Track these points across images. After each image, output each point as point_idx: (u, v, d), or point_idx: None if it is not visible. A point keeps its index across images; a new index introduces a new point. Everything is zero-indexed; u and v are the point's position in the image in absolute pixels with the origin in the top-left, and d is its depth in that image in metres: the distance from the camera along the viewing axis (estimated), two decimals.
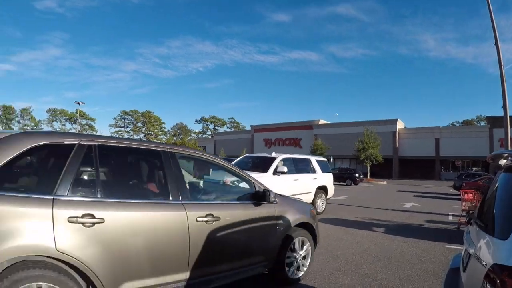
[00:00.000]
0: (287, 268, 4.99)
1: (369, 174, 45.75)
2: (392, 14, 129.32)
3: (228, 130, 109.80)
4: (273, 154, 12.26)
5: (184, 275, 3.68)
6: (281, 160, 11.68)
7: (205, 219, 3.81)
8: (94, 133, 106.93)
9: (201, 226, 3.79)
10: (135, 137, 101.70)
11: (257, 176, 7.88)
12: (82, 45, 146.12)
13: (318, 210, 12.56)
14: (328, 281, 5.45)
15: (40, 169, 3.43)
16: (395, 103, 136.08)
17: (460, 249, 7.87)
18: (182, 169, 4.06)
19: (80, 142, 3.31)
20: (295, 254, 5.12)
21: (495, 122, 48.99)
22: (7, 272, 2.64)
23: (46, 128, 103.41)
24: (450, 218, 13.91)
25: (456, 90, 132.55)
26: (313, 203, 12.34)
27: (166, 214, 3.60)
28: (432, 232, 10.45)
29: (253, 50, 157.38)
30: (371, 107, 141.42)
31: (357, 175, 35.69)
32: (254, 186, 4.69)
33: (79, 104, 69.88)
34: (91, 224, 3.02)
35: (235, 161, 13.27)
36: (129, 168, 4.09)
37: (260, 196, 4.55)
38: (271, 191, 4.61)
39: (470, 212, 11.38)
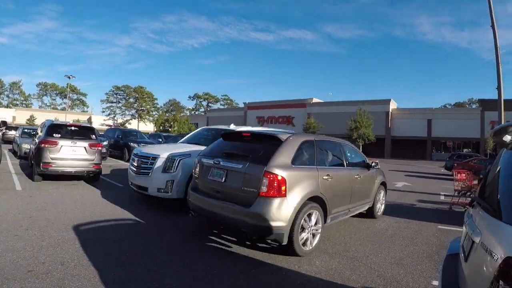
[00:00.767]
0: (377, 205, 8.72)
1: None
2: None
3: (222, 107, 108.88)
4: (232, 126, 9.58)
5: (349, 205, 7.02)
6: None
7: (356, 175, 7.34)
8: (85, 108, 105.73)
9: (358, 179, 7.35)
10: (126, 112, 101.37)
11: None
12: (76, 18, 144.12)
13: None
14: (314, 265, 5.04)
15: (307, 154, 5.97)
16: (389, 84, 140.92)
17: (453, 230, 7.58)
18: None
19: (315, 139, 6.40)
20: (381, 197, 9.02)
21: (486, 105, 49.62)
22: (304, 204, 5.32)
23: (35, 102, 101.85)
24: (442, 198, 13.63)
25: (449, 74, 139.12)
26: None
27: (348, 173, 7.12)
28: (424, 212, 10.14)
29: (249, 27, 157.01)
30: (365, 87, 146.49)
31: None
32: (365, 160, 8.39)
33: (69, 78, 68.59)
34: (328, 179, 6.03)
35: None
36: (331, 152, 6.92)
37: (369, 165, 8.13)
38: (376, 162, 8.55)
39: (463, 192, 11.11)
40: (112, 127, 69.12)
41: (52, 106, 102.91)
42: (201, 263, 4.83)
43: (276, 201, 4.95)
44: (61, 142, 10.57)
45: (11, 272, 4.08)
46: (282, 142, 5.53)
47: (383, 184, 9.09)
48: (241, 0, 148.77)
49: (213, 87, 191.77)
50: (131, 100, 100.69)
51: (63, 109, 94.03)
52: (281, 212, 4.95)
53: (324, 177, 5.88)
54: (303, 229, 5.35)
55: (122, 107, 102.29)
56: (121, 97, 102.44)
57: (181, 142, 9.84)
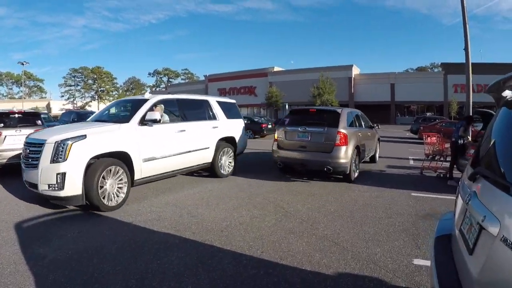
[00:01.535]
0: (376, 154, 12.83)
1: None
2: None
3: (183, 82, 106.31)
4: (146, 95, 8.00)
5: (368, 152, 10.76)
6: (154, 104, 7.62)
7: (369, 133, 11.32)
8: (43, 94, 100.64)
9: (369, 135, 11.26)
10: (86, 95, 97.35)
11: (110, 128, 6.57)
12: (27, 2, 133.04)
13: (223, 172, 9.36)
14: (279, 249, 4.40)
15: (350, 120, 9.47)
16: (351, 50, 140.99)
17: (427, 198, 7.04)
18: None
19: (351, 111, 10.22)
20: (378, 148, 13.19)
21: (449, 68, 50.97)
22: (353, 149, 9.02)
23: None
24: (411, 162, 13.39)
25: (411, 39, 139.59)
26: (214, 162, 9.06)
27: (366, 131, 10.97)
28: (395, 179, 9.74)
29: None
30: (327, 54, 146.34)
31: None
32: (370, 123, 12.14)
33: (23, 64, 64.71)
34: (360, 135, 10.09)
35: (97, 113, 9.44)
36: (358, 119, 10.52)
37: (372, 126, 12.20)
38: (377, 124, 13.18)
39: (433, 156, 10.81)
40: (69, 110, 66.21)
41: (9, 96, 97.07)
42: None
43: (344, 148, 8.52)
44: (5, 132, 9.40)
45: None
46: (340, 114, 9.04)
47: (379, 139, 13.66)
48: None
49: (174, 63, 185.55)
50: (90, 81, 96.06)
51: (21, 97, 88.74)
52: (347, 154, 8.56)
53: (359, 134, 9.70)
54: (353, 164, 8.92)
55: (81, 90, 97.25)
56: (79, 79, 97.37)
57: (89, 120, 8.39)
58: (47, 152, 5.81)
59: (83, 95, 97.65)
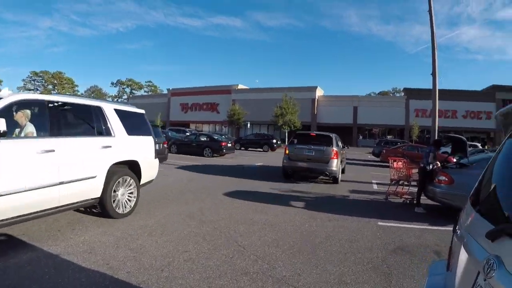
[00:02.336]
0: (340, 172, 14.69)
1: (287, 140, 45.49)
2: None
3: (146, 94, 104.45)
4: (2, 92, 5.36)
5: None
6: (11, 106, 4.97)
7: (343, 152, 16.93)
8: None
9: (344, 153, 17.07)
10: None
11: None
12: None
13: (118, 211, 6.64)
14: None
15: (338, 141, 15.19)
16: (316, 71, 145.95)
17: (395, 227, 6.53)
18: None
19: (336, 135, 15.46)
20: (344, 165, 16.66)
21: (411, 93, 53.74)
22: (341, 161, 15.50)
23: None
24: (375, 187, 13.11)
25: (375, 64, 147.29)
26: (104, 197, 6.32)
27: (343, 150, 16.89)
28: (360, 206, 9.32)
29: (177, 12, 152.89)
30: (292, 75, 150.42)
31: (274, 141, 35.10)
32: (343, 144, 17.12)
33: None
34: (342, 152, 16.42)
35: None
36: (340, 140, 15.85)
37: (344, 146, 17.58)
38: (347, 146, 23.19)
39: (399, 181, 10.49)
40: None
41: None
42: None
43: (336, 160, 12.71)
44: None
45: None
46: (332, 137, 13.49)
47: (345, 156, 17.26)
48: None
49: (138, 74, 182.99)
50: (50, 87, 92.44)
51: None
52: (337, 164, 12.84)
53: (341, 151, 14.35)
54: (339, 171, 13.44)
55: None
56: (39, 83, 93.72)
57: None
58: None
59: None
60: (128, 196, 6.97)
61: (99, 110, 6.57)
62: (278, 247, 5.38)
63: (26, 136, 5.07)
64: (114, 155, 6.54)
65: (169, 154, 22.10)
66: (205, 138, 25.13)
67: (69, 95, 6.65)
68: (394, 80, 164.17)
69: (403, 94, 61.27)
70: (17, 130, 5.08)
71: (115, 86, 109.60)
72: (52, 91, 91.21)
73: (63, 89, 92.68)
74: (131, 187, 7.05)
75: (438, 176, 8.47)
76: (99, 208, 6.54)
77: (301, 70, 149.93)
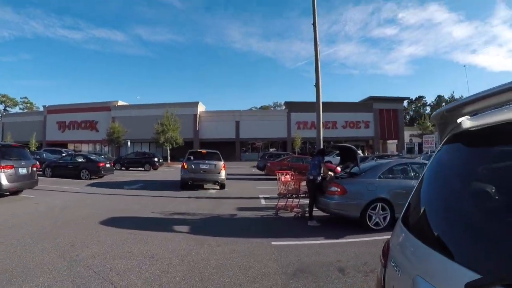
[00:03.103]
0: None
1: (169, 157, 44.25)
2: (204, 5, 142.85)
3: (21, 111, 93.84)
4: None
5: None
6: None
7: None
8: None
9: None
10: None
11: None
12: None
13: None
14: None
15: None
16: (198, 88, 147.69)
17: (291, 246, 6.28)
18: None
19: None
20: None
21: (292, 107, 57.21)
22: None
23: None
24: (263, 202, 12.82)
25: (255, 79, 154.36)
26: None
27: None
28: (249, 224, 8.86)
29: (57, 23, 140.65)
30: (174, 90, 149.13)
31: (156, 159, 33.51)
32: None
33: None
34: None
35: None
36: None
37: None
38: None
39: (288, 195, 10.23)
40: None
41: None
42: None
43: (224, 171, 16.84)
44: None
45: None
46: (218, 153, 17.81)
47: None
48: None
49: (13, 89, 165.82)
50: None
51: None
52: (225, 174, 17.04)
53: (224, 164, 17.21)
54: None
55: None
56: None
57: None
58: None
59: None
60: None
61: None
62: (161, 286, 4.51)
63: None
64: None
65: (43, 178, 20.21)
66: (81, 159, 22.92)
67: None
68: (274, 95, 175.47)
69: (284, 107, 64.06)
70: None
71: None
72: None
73: None
74: None
75: (329, 187, 8.35)
76: None
77: (184, 85, 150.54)
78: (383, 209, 8.05)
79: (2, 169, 11.46)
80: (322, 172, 8.93)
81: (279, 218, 9.60)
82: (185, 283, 4.63)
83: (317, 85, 14.75)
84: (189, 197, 13.60)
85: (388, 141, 59.71)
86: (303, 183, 10.08)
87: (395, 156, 26.54)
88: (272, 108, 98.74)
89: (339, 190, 8.08)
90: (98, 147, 58.32)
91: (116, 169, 29.83)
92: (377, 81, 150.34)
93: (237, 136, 57.04)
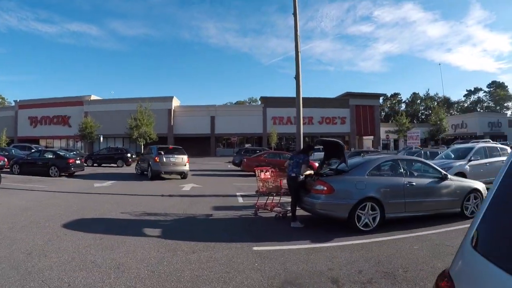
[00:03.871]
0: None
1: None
2: None
3: None
4: None
5: None
6: None
7: None
8: None
9: None
10: None
11: None
12: None
13: None
14: None
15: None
16: (173, 82, 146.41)
17: (274, 251, 5.63)
18: None
19: None
20: None
21: (268, 102, 56.94)
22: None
23: None
24: (241, 200, 12.14)
25: (231, 74, 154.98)
26: None
27: None
28: (227, 226, 8.13)
29: (31, 16, 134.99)
30: (149, 86, 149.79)
31: (129, 155, 32.38)
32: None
33: None
34: None
35: None
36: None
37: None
38: None
39: (269, 193, 9.52)
40: None
41: None
42: None
43: (188, 164, 20.27)
44: None
45: None
46: (182, 148, 21.08)
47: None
48: None
49: None
50: None
51: None
52: (188, 165, 20.49)
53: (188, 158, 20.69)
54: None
55: None
56: None
57: None
58: None
59: None
60: None
61: None
62: None
63: None
64: None
65: (10, 175, 19.55)
66: (50, 156, 21.77)
67: None
68: (250, 90, 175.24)
69: (259, 103, 63.45)
70: None
71: None
72: None
73: None
74: None
75: (315, 185, 7.67)
76: None
77: (159, 81, 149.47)
78: (372, 209, 7.46)
79: None
80: (301, 172, 8.28)
81: (259, 218, 8.93)
82: None
83: (297, 77, 14.06)
84: (162, 195, 12.80)
85: (364, 137, 59.96)
86: (284, 181, 9.40)
87: (374, 153, 26.18)
88: (248, 104, 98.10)
89: (325, 188, 7.40)
90: (71, 143, 56.36)
91: (88, 166, 28.88)
92: (353, 77, 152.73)
93: (212, 131, 56.21)
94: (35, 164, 21.45)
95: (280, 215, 8.88)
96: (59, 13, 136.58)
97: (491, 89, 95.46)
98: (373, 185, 7.60)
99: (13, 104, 65.93)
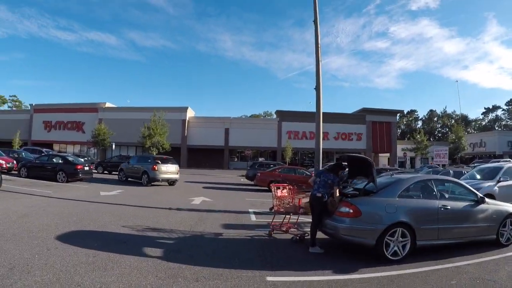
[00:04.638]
0: None
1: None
2: (198, 11, 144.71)
3: (7, 109, 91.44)
4: None
5: None
6: None
7: None
8: None
9: None
10: None
11: None
12: None
13: None
14: None
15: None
16: (189, 94, 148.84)
17: (290, 283, 4.82)
18: None
19: None
20: None
21: (283, 116, 56.43)
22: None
23: None
24: (253, 218, 11.25)
25: (246, 88, 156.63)
26: None
27: None
28: (238, 248, 7.22)
29: (51, 24, 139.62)
30: (165, 96, 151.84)
31: None
32: None
33: None
34: None
35: None
36: None
37: None
38: None
39: (286, 213, 8.63)
40: None
41: None
42: None
43: (179, 173, 23.10)
44: None
45: None
46: (173, 158, 23.74)
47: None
48: None
49: (3, 88, 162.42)
50: None
51: None
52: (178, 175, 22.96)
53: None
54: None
55: None
56: None
57: None
58: None
59: None
60: None
61: None
62: None
63: None
64: None
65: (17, 178, 19.33)
66: (58, 160, 21.30)
67: None
68: (265, 104, 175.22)
69: (275, 116, 62.80)
70: None
71: None
72: None
73: None
74: None
75: (340, 207, 6.75)
76: None
77: (174, 91, 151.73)
78: (403, 235, 6.54)
79: None
80: (330, 194, 7.34)
81: (273, 241, 8.02)
82: None
83: (317, 88, 13.20)
84: (170, 209, 12.02)
85: (380, 154, 58.73)
86: (304, 200, 8.48)
87: (393, 170, 25.09)
88: (262, 117, 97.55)
89: (351, 211, 6.47)
90: (84, 148, 56.41)
91: (98, 173, 28.61)
92: (368, 94, 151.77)
93: (226, 143, 55.59)
94: (43, 168, 21.04)
95: (297, 237, 7.95)
96: (79, 22, 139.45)
97: (510, 106, 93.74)
98: (405, 208, 6.66)
99: (29, 108, 66.37)
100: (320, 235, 7.47)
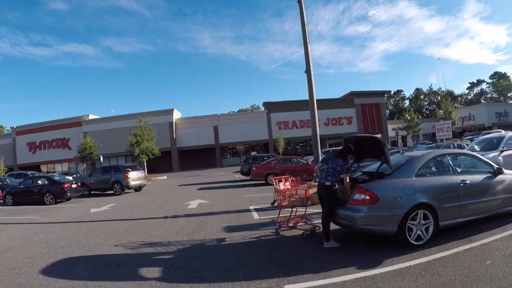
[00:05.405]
0: None
1: (146, 170, 41.30)
2: (173, 11, 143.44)
3: None
4: None
5: None
6: None
7: None
8: None
9: None
10: None
11: None
12: None
13: None
14: None
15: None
16: (173, 95, 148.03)
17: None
18: None
19: None
20: None
21: (271, 107, 56.13)
22: None
23: None
24: (256, 216, 10.47)
25: (231, 83, 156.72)
26: None
27: None
28: (245, 254, 6.45)
29: (24, 41, 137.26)
30: (149, 100, 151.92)
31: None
32: None
33: None
34: None
35: None
36: None
37: None
38: None
39: (292, 206, 7.90)
40: None
41: None
42: None
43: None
44: None
45: None
46: (139, 165, 29.01)
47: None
48: (16, 8, 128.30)
49: None
50: None
51: None
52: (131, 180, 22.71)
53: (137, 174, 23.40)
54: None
55: None
56: None
57: None
58: None
59: None
60: None
61: None
62: None
63: None
64: None
65: (2, 207, 18.48)
66: (44, 181, 20.03)
67: None
68: (251, 98, 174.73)
69: (263, 108, 62.29)
70: None
71: None
72: None
73: None
74: None
75: (353, 195, 6.04)
76: None
77: (159, 95, 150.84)
78: (425, 217, 5.93)
79: None
80: (340, 182, 6.65)
81: (282, 239, 7.31)
82: None
83: (308, 71, 12.66)
84: (165, 217, 11.28)
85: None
86: (311, 190, 7.73)
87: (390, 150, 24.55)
88: (251, 111, 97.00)
89: (368, 198, 5.76)
90: (73, 165, 54.73)
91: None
92: (353, 79, 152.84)
93: (217, 141, 54.95)
94: (28, 192, 19.76)
95: (308, 232, 7.25)
96: (52, 35, 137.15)
97: (494, 80, 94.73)
98: (424, 188, 6.01)
99: (10, 131, 64.77)
100: (332, 226, 6.75)
